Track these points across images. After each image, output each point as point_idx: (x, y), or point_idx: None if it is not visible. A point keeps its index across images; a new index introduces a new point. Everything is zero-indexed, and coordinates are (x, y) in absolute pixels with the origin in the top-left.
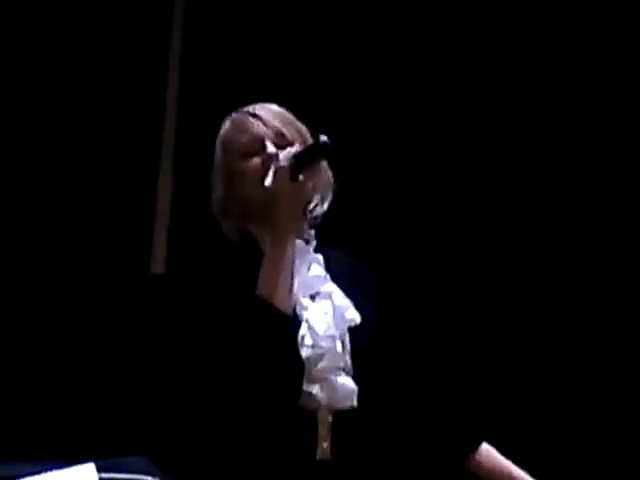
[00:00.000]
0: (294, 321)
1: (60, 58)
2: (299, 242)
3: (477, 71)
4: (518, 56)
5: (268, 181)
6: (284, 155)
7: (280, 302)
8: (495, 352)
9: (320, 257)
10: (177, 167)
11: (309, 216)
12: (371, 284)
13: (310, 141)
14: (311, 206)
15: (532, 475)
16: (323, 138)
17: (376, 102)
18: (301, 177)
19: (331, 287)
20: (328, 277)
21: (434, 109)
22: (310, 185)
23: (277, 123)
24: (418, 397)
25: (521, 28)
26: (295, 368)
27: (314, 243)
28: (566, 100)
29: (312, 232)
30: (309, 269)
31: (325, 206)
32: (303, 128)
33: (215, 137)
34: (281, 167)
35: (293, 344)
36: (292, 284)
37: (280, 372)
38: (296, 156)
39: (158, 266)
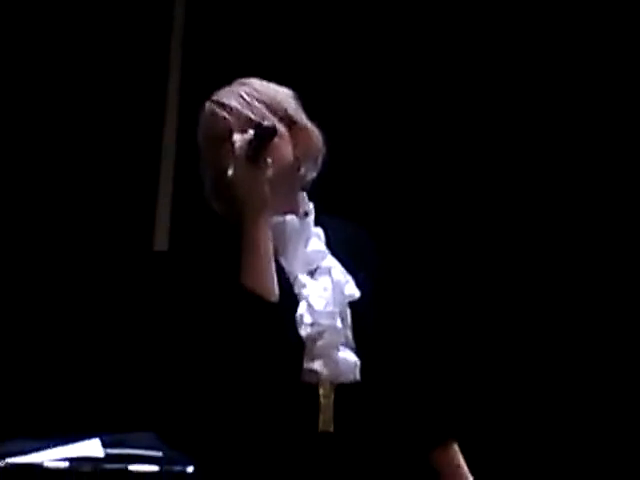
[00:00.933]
0: (288, 300)
1: (60, 53)
2: (293, 219)
3: (478, 65)
4: (518, 56)
5: (229, 172)
6: (238, 144)
7: (263, 290)
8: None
9: (320, 231)
10: (179, 145)
11: (300, 184)
12: (370, 253)
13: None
14: (300, 173)
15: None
16: (265, 123)
17: (377, 95)
18: (260, 160)
19: (331, 262)
20: (327, 251)
21: (436, 99)
22: (273, 165)
23: (242, 107)
24: (413, 374)
25: (521, 28)
26: (292, 349)
27: (312, 217)
28: (566, 100)
29: (310, 205)
30: (307, 244)
31: (315, 172)
32: (280, 99)
33: None
34: (237, 156)
35: (285, 326)
36: (273, 265)
37: (274, 355)
38: (249, 142)
39: (161, 243)
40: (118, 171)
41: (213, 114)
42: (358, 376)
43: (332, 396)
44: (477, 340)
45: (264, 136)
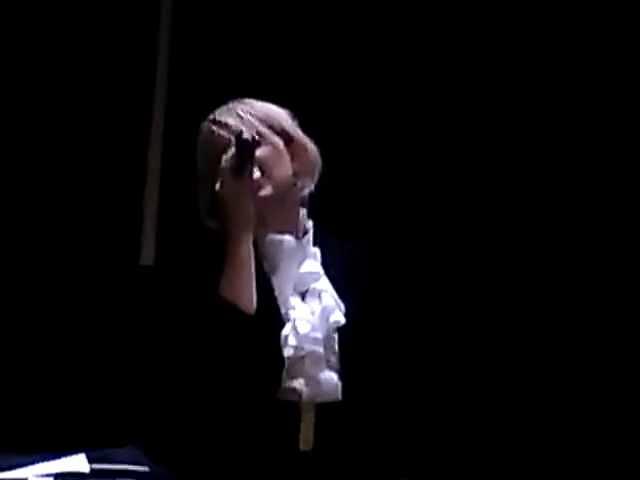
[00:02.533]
0: (277, 320)
1: (48, 55)
2: (290, 240)
3: (478, 64)
4: (518, 56)
5: (217, 186)
6: (224, 157)
7: (240, 302)
8: (492, 350)
9: (317, 251)
10: (165, 159)
11: (298, 200)
12: (369, 278)
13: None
14: (297, 188)
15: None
16: (245, 135)
17: (369, 97)
18: (246, 173)
19: (323, 284)
20: (322, 273)
21: (434, 103)
22: (260, 177)
23: (238, 124)
24: (390, 401)
25: (521, 28)
26: (271, 365)
27: (310, 236)
28: (566, 100)
29: (309, 223)
30: (302, 265)
31: (313, 186)
32: (276, 116)
33: None
34: (222, 169)
35: (260, 340)
36: (252, 280)
37: (251, 368)
38: (233, 156)
39: (147, 258)
40: (104, 185)
41: (210, 132)
42: (340, 396)
43: (313, 416)
44: (469, 373)
45: (244, 147)
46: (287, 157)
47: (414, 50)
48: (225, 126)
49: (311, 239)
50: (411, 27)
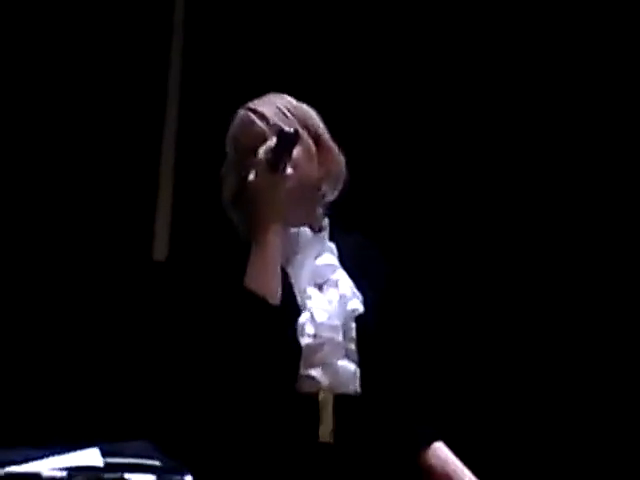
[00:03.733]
0: (289, 308)
1: (63, 55)
2: (306, 231)
3: (482, 61)
4: (519, 56)
5: (250, 176)
6: (261, 150)
7: (266, 292)
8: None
9: (333, 246)
10: (179, 155)
11: (319, 203)
12: (381, 270)
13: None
14: (320, 192)
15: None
16: (286, 129)
17: (378, 97)
18: (281, 167)
19: (340, 275)
20: (338, 265)
21: (438, 105)
22: (293, 174)
23: (277, 118)
24: (409, 387)
25: (521, 28)
26: (288, 355)
27: (327, 231)
28: (566, 100)
29: (326, 220)
30: (319, 257)
31: (335, 194)
32: (310, 117)
33: (216, 129)
34: (258, 161)
35: (283, 331)
36: (279, 272)
37: (271, 357)
38: (271, 149)
39: (160, 253)
40: (117, 180)
41: (248, 122)
42: (358, 387)
43: (332, 407)
44: (481, 356)
45: (285, 142)
46: (316, 160)
47: (417, 51)
48: (263, 117)
49: (327, 235)
50: (415, 30)
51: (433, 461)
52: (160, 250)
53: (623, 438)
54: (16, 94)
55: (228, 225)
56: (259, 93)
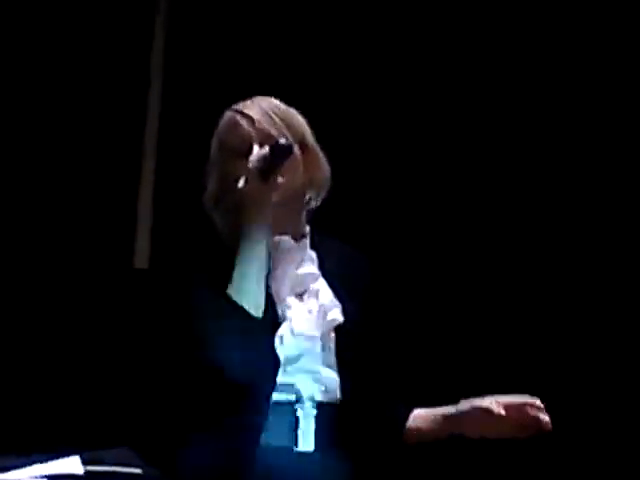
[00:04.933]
0: (272, 319)
1: (44, 55)
2: (288, 240)
3: (479, 63)
4: (519, 56)
5: (240, 184)
6: (253, 157)
7: (249, 303)
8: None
9: (314, 254)
10: (159, 163)
11: (303, 209)
12: (363, 278)
13: (285, 138)
14: (304, 200)
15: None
16: (282, 140)
17: (364, 98)
18: (272, 177)
19: (320, 285)
20: (319, 274)
21: (433, 104)
22: (283, 184)
23: (265, 123)
24: (385, 395)
25: (521, 28)
26: (267, 364)
27: (307, 239)
28: (566, 100)
29: (307, 228)
30: (299, 266)
31: (319, 201)
32: (296, 122)
33: (197, 134)
34: (250, 169)
35: (264, 342)
36: (264, 283)
37: (250, 370)
38: (264, 158)
39: (141, 261)
40: (97, 187)
41: (235, 123)
42: (339, 395)
43: (312, 415)
44: (466, 365)
45: (280, 154)
46: (301, 167)
47: (412, 52)
48: (250, 120)
49: (308, 242)
50: (410, 30)
51: (420, 424)
52: (141, 258)
53: (623, 438)
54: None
55: (209, 231)
56: (241, 97)
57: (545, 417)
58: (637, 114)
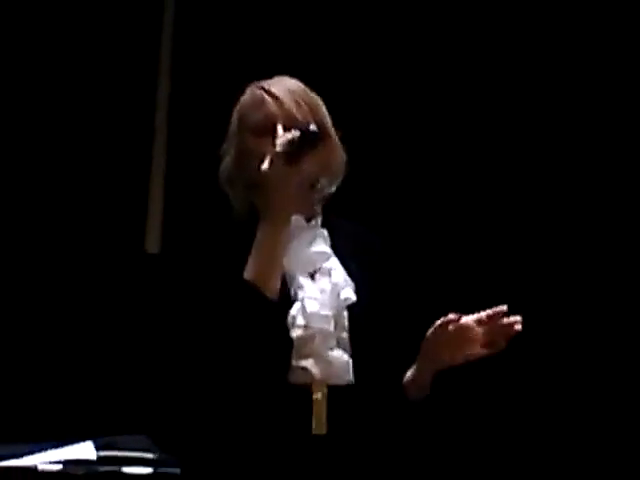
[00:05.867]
0: (286, 301)
1: (53, 52)
2: (299, 218)
3: (478, 63)
4: (520, 55)
5: (264, 165)
6: (280, 141)
7: (266, 286)
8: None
9: (325, 232)
10: (170, 146)
11: (316, 196)
12: (377, 260)
13: (316, 124)
14: (318, 186)
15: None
16: (312, 127)
17: (372, 90)
18: (297, 162)
19: (333, 263)
20: (331, 253)
21: (441, 96)
22: (307, 170)
23: (291, 104)
24: (399, 376)
25: (521, 28)
26: (281, 347)
27: (319, 217)
28: (566, 100)
29: (319, 209)
30: (311, 245)
31: (334, 188)
32: (319, 105)
33: (207, 120)
34: (276, 152)
35: (278, 325)
36: (281, 266)
37: (264, 352)
38: (291, 142)
39: (153, 246)
40: (108, 173)
41: (261, 101)
42: (351, 377)
43: (325, 398)
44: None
45: (308, 140)
46: (318, 153)
47: (414, 48)
48: (277, 100)
49: (320, 222)
50: (415, 27)
51: (409, 377)
52: (153, 242)
53: (623, 438)
54: (7, 91)
55: (222, 212)
56: (250, 82)
57: (514, 318)
58: (637, 114)
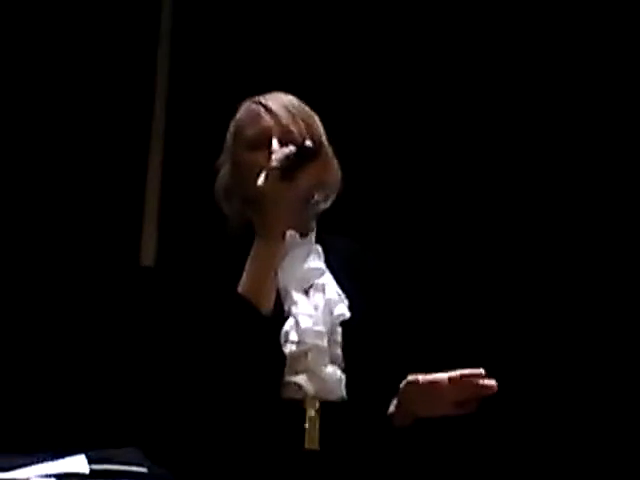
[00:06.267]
0: (280, 317)
1: (47, 53)
2: (293, 234)
3: (478, 63)
4: (520, 55)
5: (260, 180)
6: (276, 156)
7: (260, 301)
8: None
9: (319, 248)
10: (166, 159)
11: (310, 212)
12: (371, 276)
13: (312, 139)
14: (312, 201)
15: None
16: (308, 142)
17: (369, 95)
18: (293, 177)
19: (326, 280)
20: (325, 269)
21: (436, 101)
22: (303, 185)
23: (287, 119)
24: (392, 392)
25: (521, 28)
26: (274, 363)
27: (314, 234)
28: (566, 100)
29: (313, 224)
30: (305, 261)
31: (328, 203)
32: (314, 121)
33: (203, 134)
34: (272, 167)
35: (271, 341)
36: (275, 281)
37: (257, 367)
38: (287, 157)
39: (148, 258)
40: (103, 185)
41: (257, 115)
42: (344, 393)
43: (318, 414)
44: (471, 362)
45: (305, 155)
46: (314, 169)
47: (412, 50)
48: (273, 114)
49: (314, 237)
50: (412, 30)
51: (392, 410)
52: (148, 255)
53: (623, 438)
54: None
55: (217, 227)
56: (248, 92)
57: (488, 382)
58: (637, 114)
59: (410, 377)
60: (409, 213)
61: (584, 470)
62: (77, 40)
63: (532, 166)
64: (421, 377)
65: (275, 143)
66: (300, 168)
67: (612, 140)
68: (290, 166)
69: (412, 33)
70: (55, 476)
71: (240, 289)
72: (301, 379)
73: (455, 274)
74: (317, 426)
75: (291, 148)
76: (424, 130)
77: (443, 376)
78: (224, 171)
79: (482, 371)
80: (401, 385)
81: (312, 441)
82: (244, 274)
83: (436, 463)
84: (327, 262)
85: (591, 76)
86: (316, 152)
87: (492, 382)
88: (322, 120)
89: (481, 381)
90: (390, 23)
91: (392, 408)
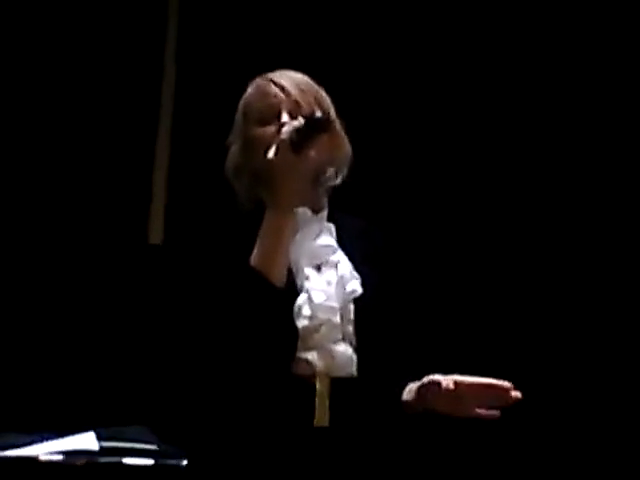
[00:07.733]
0: (292, 291)
1: (57, 48)
2: (305, 211)
3: (479, 62)
4: (521, 55)
5: (270, 153)
6: (286, 128)
7: (272, 274)
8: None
9: (332, 226)
10: (174, 138)
11: (320, 188)
12: (381, 252)
13: (322, 111)
14: (322, 178)
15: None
16: (318, 114)
17: (375, 86)
18: (303, 150)
19: (339, 257)
20: (337, 247)
21: (443, 93)
22: (314, 158)
23: (296, 92)
24: (403, 370)
25: (521, 28)
26: (286, 337)
27: (326, 211)
28: (566, 100)
29: (325, 200)
30: (318, 238)
31: (339, 179)
32: (324, 97)
33: (211, 112)
34: (282, 140)
35: (284, 314)
36: (288, 255)
37: (270, 341)
38: (298, 130)
39: (156, 237)
40: (111, 164)
41: (265, 90)
42: (354, 370)
43: (328, 391)
44: (481, 340)
45: (315, 127)
46: (324, 142)
47: (415, 47)
48: (281, 88)
49: (326, 215)
50: (416, 27)
51: (407, 397)
52: (156, 234)
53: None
54: (10, 89)
55: (224, 205)
56: (255, 74)
57: (514, 394)
58: (637, 114)
59: (434, 377)
60: (418, 192)
61: (584, 470)
62: (84, 29)
63: (549, 147)
64: (444, 380)
65: (285, 116)
66: (310, 140)
67: (612, 140)
68: (300, 138)
69: (417, 15)
70: (64, 453)
71: (252, 262)
72: (312, 355)
73: (465, 252)
74: (327, 403)
75: (301, 120)
76: (430, 114)
77: (469, 380)
78: (234, 149)
79: (509, 385)
80: (424, 380)
81: (322, 418)
82: (255, 247)
83: (443, 443)
84: (339, 240)
85: (591, 76)
86: (326, 123)
87: (518, 394)
88: (332, 103)
89: (507, 393)
90: (393, 14)
91: (407, 396)
